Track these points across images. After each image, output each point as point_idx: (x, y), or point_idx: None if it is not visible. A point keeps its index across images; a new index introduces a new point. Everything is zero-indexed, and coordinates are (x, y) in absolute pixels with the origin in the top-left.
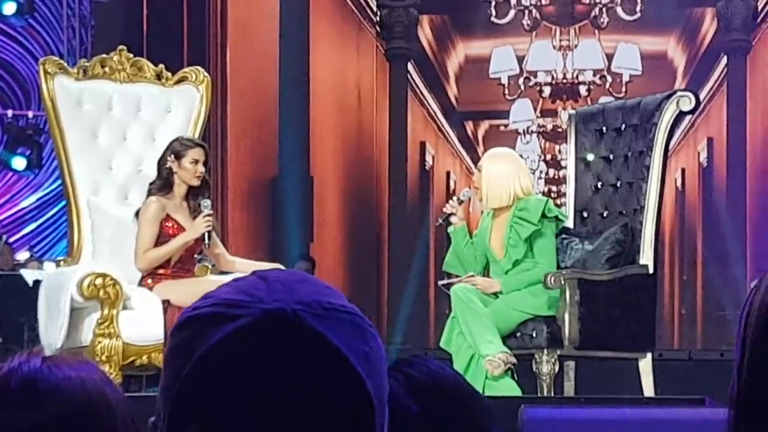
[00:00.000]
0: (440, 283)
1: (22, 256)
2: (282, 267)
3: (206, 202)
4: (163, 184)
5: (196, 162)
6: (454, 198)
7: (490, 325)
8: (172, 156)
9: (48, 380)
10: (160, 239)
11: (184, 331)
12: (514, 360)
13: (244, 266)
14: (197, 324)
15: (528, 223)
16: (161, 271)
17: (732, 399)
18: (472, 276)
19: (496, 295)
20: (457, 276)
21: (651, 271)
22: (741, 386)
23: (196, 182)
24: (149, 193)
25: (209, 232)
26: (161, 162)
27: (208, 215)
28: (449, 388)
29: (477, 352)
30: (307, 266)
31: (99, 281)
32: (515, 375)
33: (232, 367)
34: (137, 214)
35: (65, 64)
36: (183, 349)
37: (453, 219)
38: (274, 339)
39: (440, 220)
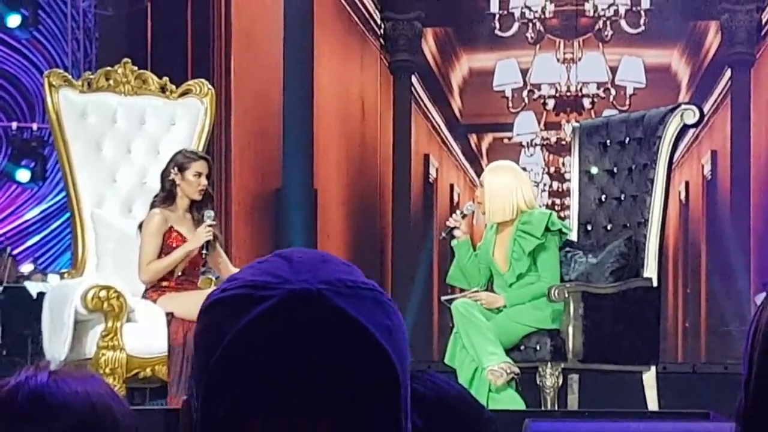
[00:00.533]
0: (443, 298)
1: (26, 268)
2: None
3: (209, 213)
4: (166, 196)
5: (200, 175)
6: (458, 212)
7: (492, 338)
8: (176, 168)
9: (55, 394)
10: (164, 251)
11: (213, 314)
12: (516, 370)
13: None
14: (226, 306)
15: (531, 236)
16: (165, 283)
17: (739, 414)
18: (476, 291)
19: (499, 309)
20: (460, 290)
21: (655, 284)
22: (748, 402)
23: (198, 196)
24: (152, 206)
25: (209, 242)
26: (164, 174)
27: (210, 225)
28: (453, 403)
29: (479, 364)
30: None
31: (103, 294)
32: (518, 388)
33: (261, 348)
34: (140, 226)
35: (70, 77)
36: (213, 331)
37: (456, 233)
38: (301, 319)
39: (444, 234)
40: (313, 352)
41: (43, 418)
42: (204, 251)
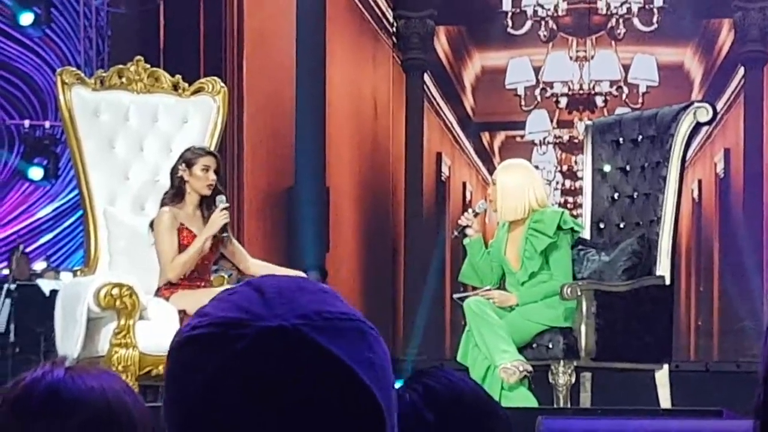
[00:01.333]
0: (455, 296)
1: (39, 266)
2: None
3: (221, 197)
4: (175, 193)
5: (207, 169)
6: (470, 210)
7: (504, 335)
8: (183, 165)
9: (71, 390)
10: (178, 249)
11: (184, 354)
12: (529, 368)
13: (264, 271)
14: (196, 346)
15: (543, 235)
16: (178, 280)
17: (757, 411)
18: (489, 290)
19: (511, 308)
20: (473, 288)
21: (668, 282)
22: (766, 399)
23: (206, 191)
24: (162, 203)
25: (226, 225)
26: (173, 172)
27: (224, 208)
28: (468, 399)
29: (492, 362)
30: (318, 276)
31: (116, 291)
32: (531, 386)
33: (236, 391)
34: (151, 225)
35: (82, 75)
36: (185, 373)
37: (469, 231)
38: (277, 358)
39: (456, 233)
40: (292, 393)
41: (59, 414)
42: (224, 234)
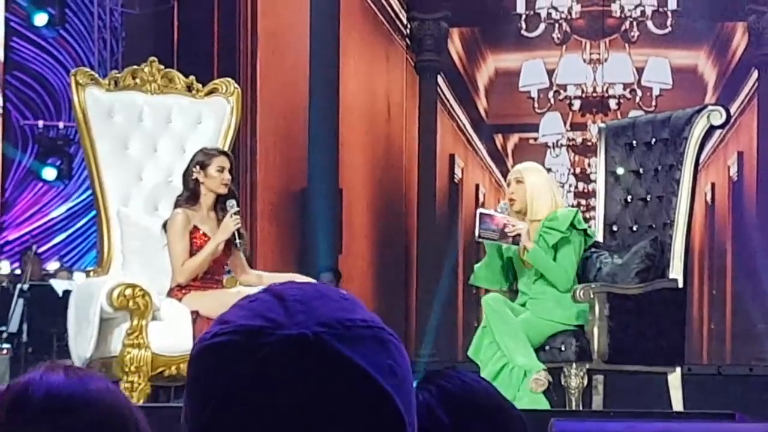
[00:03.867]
0: (481, 210)
1: (52, 266)
2: (313, 280)
3: (231, 202)
4: (189, 195)
5: (222, 169)
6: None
7: (523, 337)
8: (197, 167)
9: (69, 392)
10: (190, 251)
11: (205, 363)
12: (550, 378)
13: (257, 279)
14: (218, 355)
15: (556, 231)
16: (191, 282)
17: None
18: (514, 225)
19: (524, 304)
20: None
21: (680, 285)
22: None
23: (223, 189)
24: (176, 205)
25: (239, 231)
26: (187, 174)
27: (236, 213)
28: (482, 400)
29: (511, 361)
30: (332, 278)
31: (128, 292)
32: (550, 390)
33: (258, 399)
34: (164, 226)
35: (96, 75)
36: (206, 381)
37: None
38: (298, 367)
39: (477, 235)
40: (313, 401)
41: (57, 415)
42: (237, 240)
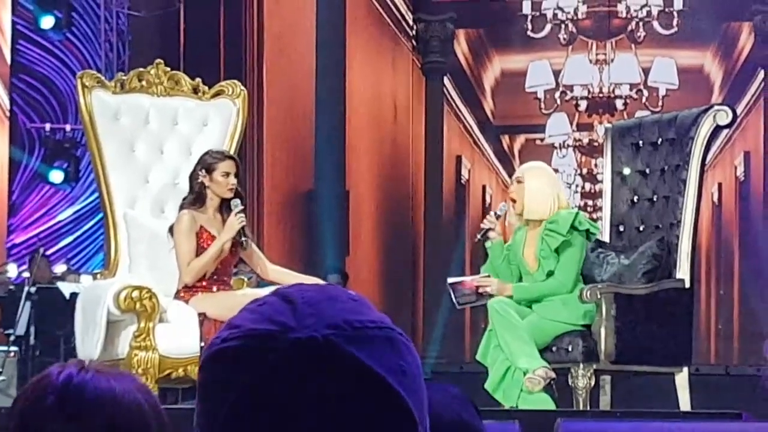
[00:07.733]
0: (450, 280)
1: (59, 268)
2: (321, 281)
3: (235, 201)
4: (195, 198)
5: (228, 174)
6: (492, 213)
7: (527, 339)
8: (203, 170)
9: (86, 390)
10: (197, 253)
11: (216, 368)
12: (553, 375)
13: (282, 277)
14: (228, 359)
15: (557, 234)
16: (197, 283)
17: None
18: (486, 276)
19: (530, 306)
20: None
21: (687, 285)
22: None
23: (229, 194)
24: (181, 207)
25: (243, 229)
26: (193, 177)
27: (240, 212)
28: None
29: (514, 364)
30: (339, 280)
31: (135, 294)
32: (553, 388)
33: (269, 404)
34: (170, 229)
35: (102, 78)
36: (217, 386)
37: (491, 234)
38: (309, 370)
39: (479, 236)
40: (325, 404)
41: (73, 413)
42: (242, 239)
